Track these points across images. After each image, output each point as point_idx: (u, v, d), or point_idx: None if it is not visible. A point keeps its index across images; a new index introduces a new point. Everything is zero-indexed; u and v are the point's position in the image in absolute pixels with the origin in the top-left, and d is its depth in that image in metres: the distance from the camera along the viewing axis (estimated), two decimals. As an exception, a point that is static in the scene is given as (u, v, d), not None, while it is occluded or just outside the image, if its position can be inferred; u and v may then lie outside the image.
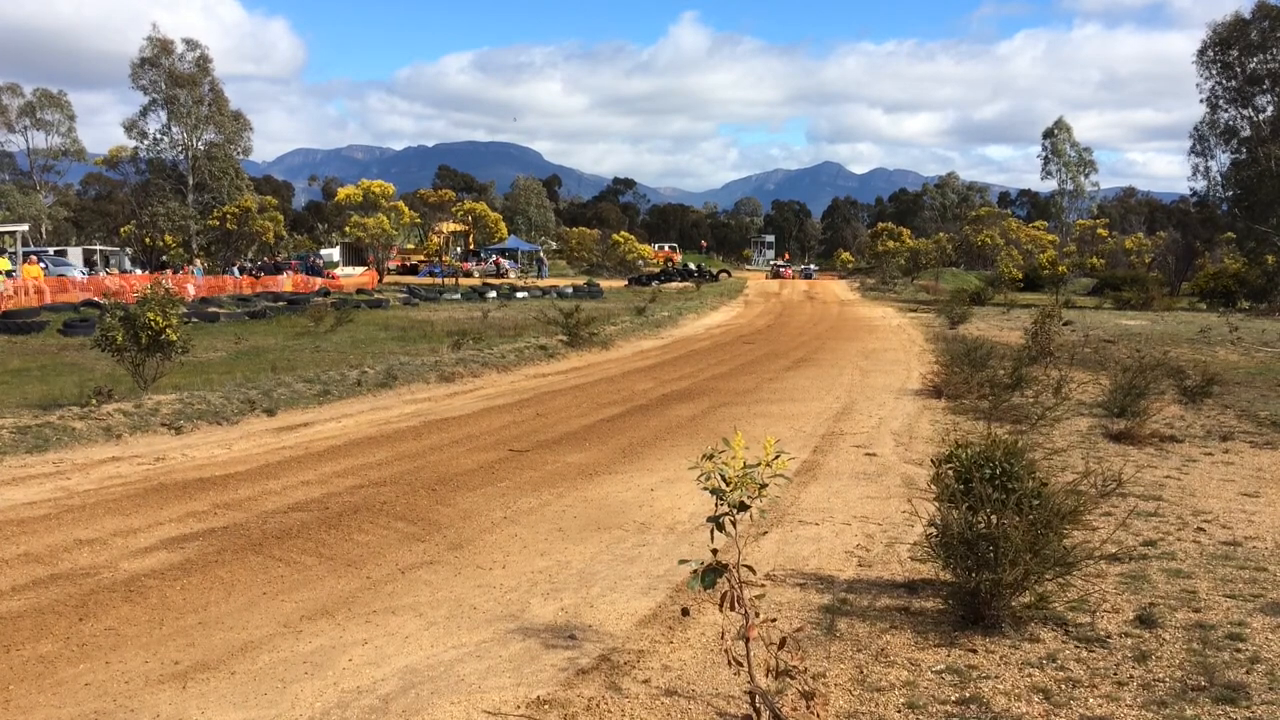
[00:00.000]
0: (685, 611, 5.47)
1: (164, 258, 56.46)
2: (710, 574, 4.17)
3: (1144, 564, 6.62)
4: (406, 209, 60.65)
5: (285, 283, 44.04)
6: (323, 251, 68.54)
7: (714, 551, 4.23)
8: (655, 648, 5.36)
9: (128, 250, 58.37)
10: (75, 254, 51.79)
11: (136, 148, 58.55)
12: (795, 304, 46.35)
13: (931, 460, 6.99)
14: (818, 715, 4.36)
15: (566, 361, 20.88)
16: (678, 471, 9.43)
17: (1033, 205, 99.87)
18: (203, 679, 5.02)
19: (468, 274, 62.03)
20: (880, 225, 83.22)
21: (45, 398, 13.30)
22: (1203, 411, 13.80)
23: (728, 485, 4.15)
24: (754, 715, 4.28)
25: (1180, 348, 23.99)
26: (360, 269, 57.95)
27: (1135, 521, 7.57)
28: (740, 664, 4.28)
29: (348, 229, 58.71)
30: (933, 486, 6.05)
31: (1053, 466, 9.03)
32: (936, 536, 5.60)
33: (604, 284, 54.12)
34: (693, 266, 68.06)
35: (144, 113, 57.52)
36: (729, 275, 69.82)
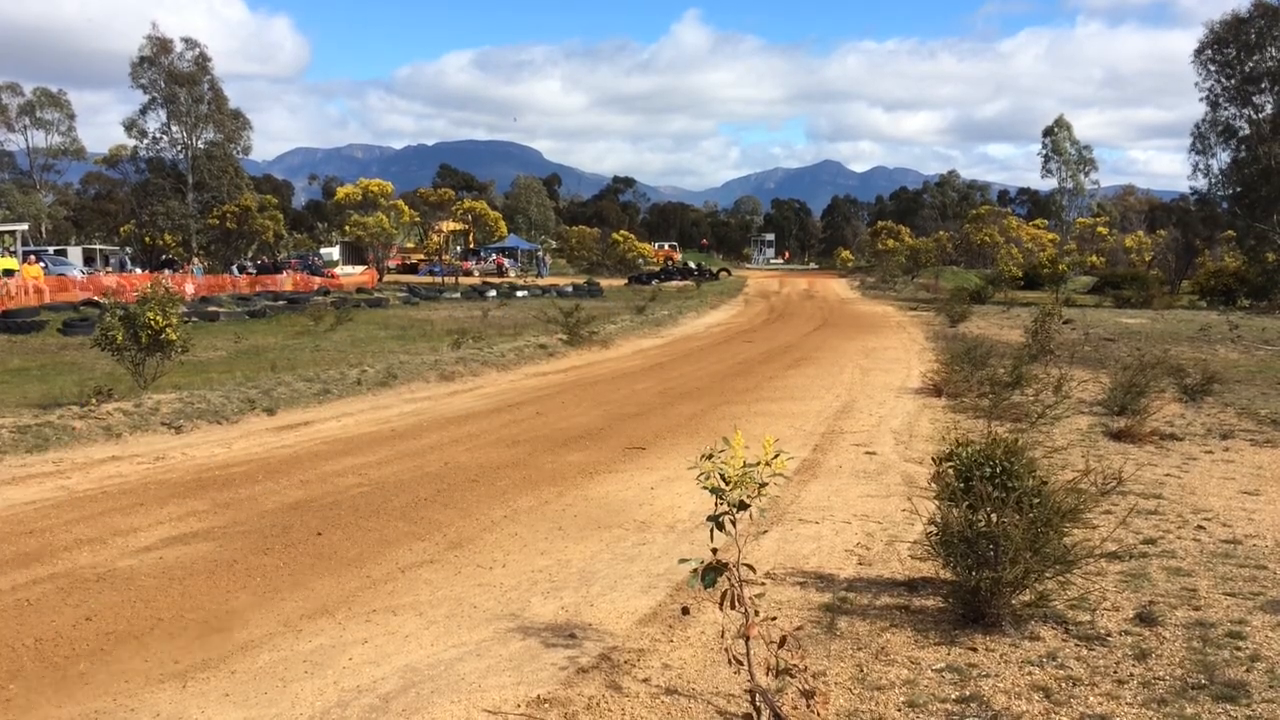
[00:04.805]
0: (685, 610, 5.47)
1: (164, 257, 56.47)
2: (710, 573, 4.17)
3: (1144, 562, 6.62)
4: (406, 208, 60.63)
5: (285, 282, 44.04)
6: (322, 250, 68.58)
7: (714, 550, 4.23)
8: (655, 646, 5.35)
9: (127, 250, 58.38)
10: (75, 253, 51.80)
11: (136, 147, 58.61)
12: (795, 302, 46.33)
13: (932, 458, 6.99)
14: (818, 714, 4.36)
15: (566, 360, 20.88)
16: (678, 470, 9.43)
17: (1033, 203, 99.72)
18: (203, 678, 5.02)
19: (468, 273, 62.02)
20: (880, 224, 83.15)
21: (45, 397, 13.30)
22: (1203, 409, 13.79)
23: (727, 484, 4.15)
24: (754, 714, 4.28)
25: (1180, 346, 23.99)
26: (360, 268, 57.94)
27: (1135, 520, 7.57)
28: (740, 662, 4.28)
29: (347, 228, 58.70)
30: (933, 485, 6.05)
31: (1053, 465, 9.01)
32: (936, 535, 5.60)
33: (604, 283, 54.07)
34: (693, 265, 68.01)
35: (143, 112, 57.56)
36: (729, 274, 69.79)
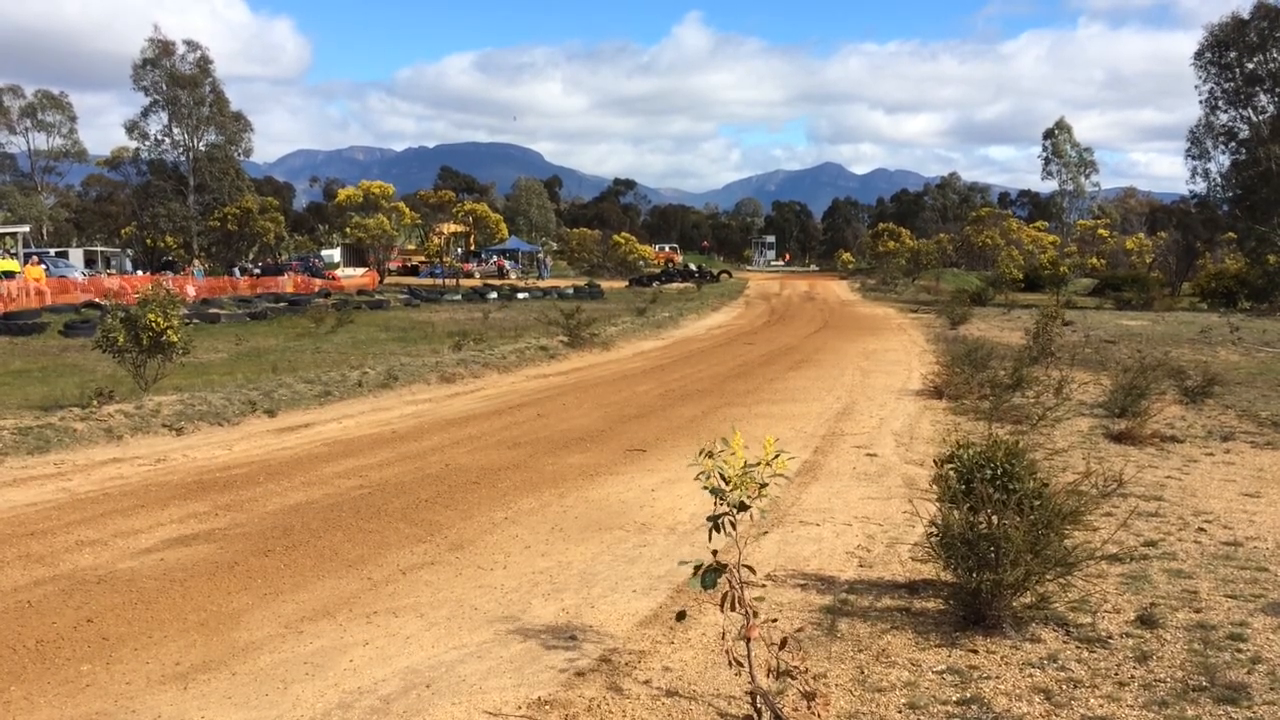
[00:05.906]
0: (681, 615, 5.39)
1: (165, 259, 56.50)
2: (710, 574, 4.17)
3: (1145, 564, 6.62)
4: (407, 210, 60.69)
5: (286, 284, 44.06)
6: (323, 252, 68.56)
7: (714, 552, 4.23)
8: (656, 648, 5.35)
9: (128, 252, 58.41)
10: (76, 255, 51.84)
11: (138, 149, 58.63)
12: (795, 305, 46.33)
13: (933, 460, 6.99)
14: (819, 716, 4.36)
15: (567, 362, 20.88)
16: (679, 472, 9.43)
17: (1033, 205, 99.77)
18: (204, 679, 5.03)
19: (468, 275, 62.03)
20: (881, 226, 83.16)
21: (46, 399, 13.31)
22: (1204, 412, 13.79)
23: (728, 485, 4.15)
24: (755, 716, 4.28)
25: (1181, 348, 23.99)
26: (361, 270, 57.91)
27: (1136, 522, 7.57)
28: (741, 664, 4.28)
29: (348, 230, 58.76)
30: (934, 487, 6.04)
31: (1054, 467, 9.01)
32: (937, 537, 5.60)
33: (605, 285, 54.07)
34: (693, 267, 68.01)
35: (145, 114, 57.59)
36: (730, 276, 69.77)
